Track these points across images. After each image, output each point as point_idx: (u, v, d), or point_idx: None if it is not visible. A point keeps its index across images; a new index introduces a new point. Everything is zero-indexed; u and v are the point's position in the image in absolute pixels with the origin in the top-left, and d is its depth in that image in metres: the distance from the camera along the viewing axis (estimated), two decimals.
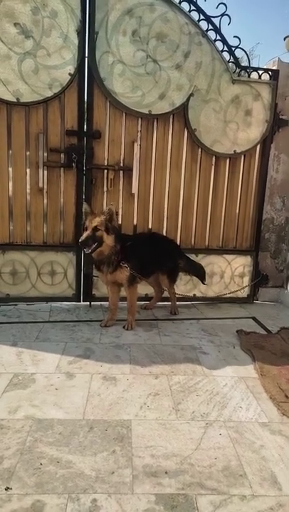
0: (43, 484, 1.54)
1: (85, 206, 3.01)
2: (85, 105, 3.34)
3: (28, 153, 3.34)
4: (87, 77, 3.30)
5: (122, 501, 1.48)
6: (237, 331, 3.18)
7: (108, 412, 2.02)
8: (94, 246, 2.86)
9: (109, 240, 2.90)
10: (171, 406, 2.10)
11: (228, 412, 2.08)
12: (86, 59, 3.26)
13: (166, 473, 1.63)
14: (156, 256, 3.30)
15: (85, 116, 3.36)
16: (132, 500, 1.49)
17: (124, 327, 3.15)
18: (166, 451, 1.75)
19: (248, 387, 2.34)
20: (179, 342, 2.95)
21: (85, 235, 2.85)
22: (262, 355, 2.74)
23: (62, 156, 3.39)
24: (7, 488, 1.51)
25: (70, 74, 3.25)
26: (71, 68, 3.25)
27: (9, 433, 1.83)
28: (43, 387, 2.22)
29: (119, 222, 3.60)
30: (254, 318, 3.58)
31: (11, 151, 3.31)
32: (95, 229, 2.84)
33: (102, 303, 3.68)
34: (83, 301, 3.71)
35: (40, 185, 3.36)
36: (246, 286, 4.00)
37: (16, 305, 3.56)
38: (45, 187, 3.41)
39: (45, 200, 3.45)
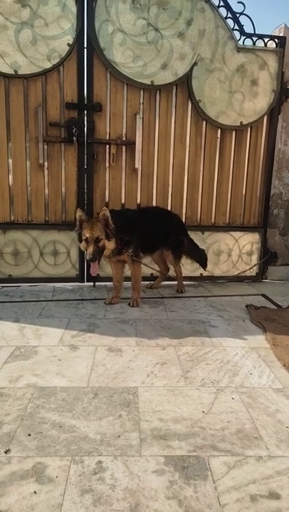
0: (44, 447, 1.45)
1: (79, 213, 2.78)
2: (85, 77, 3.24)
3: (27, 128, 3.24)
4: (86, 47, 3.19)
5: (129, 463, 1.38)
6: (246, 306, 3.07)
7: (114, 380, 1.92)
8: (99, 257, 2.77)
9: (111, 245, 2.80)
10: (179, 374, 2.00)
11: (239, 378, 1.97)
12: (85, 28, 3.15)
13: (175, 436, 1.52)
14: (159, 231, 3.19)
15: (85, 88, 3.26)
16: (139, 462, 1.39)
17: (129, 304, 3.06)
18: (176, 415, 1.65)
19: (260, 356, 2.23)
20: (187, 317, 2.85)
21: (90, 250, 2.69)
22: (273, 327, 2.63)
23: (62, 130, 3.29)
24: (6, 451, 1.42)
25: (68, 44, 3.15)
26: (70, 38, 3.15)
27: (9, 400, 1.73)
28: (45, 358, 2.13)
29: (122, 200, 3.51)
30: (263, 295, 3.46)
31: (10, 127, 3.22)
32: (97, 240, 2.71)
33: (106, 283, 3.59)
34: (87, 282, 3.62)
35: (41, 161, 3.27)
36: (255, 265, 3.88)
37: (18, 286, 3.47)
38: (46, 163, 3.31)
39: (46, 177, 3.36)
